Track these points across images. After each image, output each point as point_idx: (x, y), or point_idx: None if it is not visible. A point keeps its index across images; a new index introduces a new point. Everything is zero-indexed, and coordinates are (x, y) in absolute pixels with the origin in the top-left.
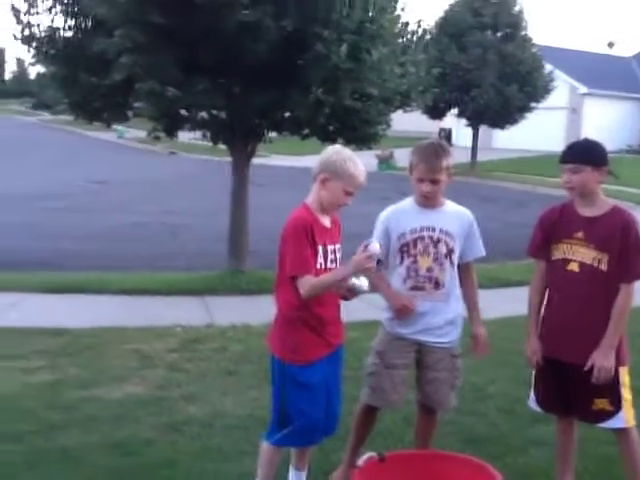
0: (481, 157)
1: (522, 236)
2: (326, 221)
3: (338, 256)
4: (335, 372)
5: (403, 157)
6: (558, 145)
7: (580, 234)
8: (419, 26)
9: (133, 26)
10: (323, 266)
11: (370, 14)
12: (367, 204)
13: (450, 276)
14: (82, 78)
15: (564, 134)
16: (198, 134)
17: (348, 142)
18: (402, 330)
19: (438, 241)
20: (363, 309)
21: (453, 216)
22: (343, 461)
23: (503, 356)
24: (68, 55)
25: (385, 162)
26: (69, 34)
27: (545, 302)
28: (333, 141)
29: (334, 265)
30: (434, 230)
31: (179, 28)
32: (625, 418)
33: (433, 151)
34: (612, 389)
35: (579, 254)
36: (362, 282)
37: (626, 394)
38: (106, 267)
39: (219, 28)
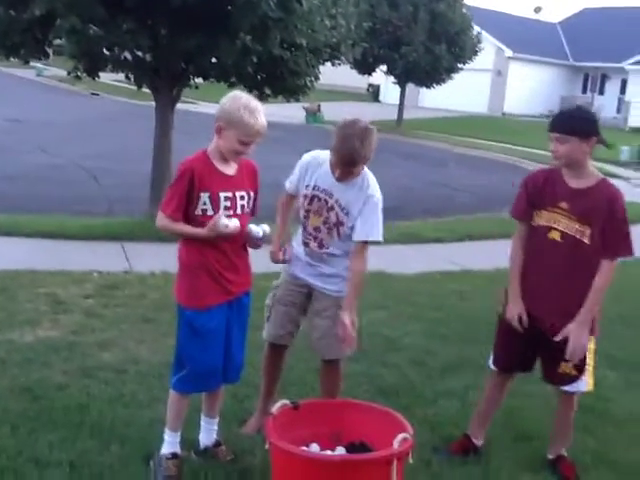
0: (407, 115)
1: (442, 195)
2: (227, 169)
3: (242, 203)
4: (238, 320)
5: (331, 110)
6: (482, 107)
7: (564, 204)
8: None
9: None
10: (210, 212)
11: None
12: (292, 156)
13: (337, 245)
14: None
15: (488, 96)
16: (122, 76)
17: (276, 93)
18: (296, 271)
19: (331, 208)
20: None
21: (357, 192)
22: (257, 408)
23: (418, 310)
24: None
25: (312, 115)
26: None
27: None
28: (260, 91)
29: (241, 212)
30: (331, 197)
31: None
32: (587, 382)
33: (350, 147)
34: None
35: (562, 224)
36: (258, 229)
37: (590, 360)
38: (21, 209)
39: None
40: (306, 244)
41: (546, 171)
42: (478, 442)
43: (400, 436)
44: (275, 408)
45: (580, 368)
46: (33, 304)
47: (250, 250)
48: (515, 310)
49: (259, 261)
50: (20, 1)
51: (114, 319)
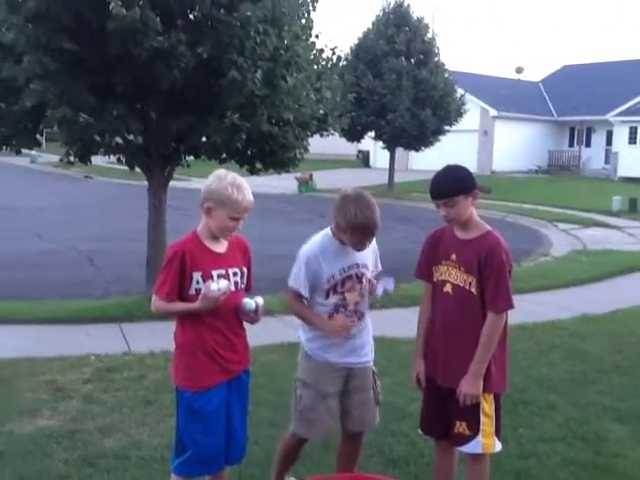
0: (398, 178)
1: None
2: (218, 247)
3: (236, 279)
4: (239, 400)
5: (322, 179)
6: (471, 166)
7: (454, 256)
8: (334, 53)
9: (43, 52)
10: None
11: (285, 41)
12: (289, 226)
13: (367, 305)
14: None
15: (477, 155)
16: (114, 157)
17: (267, 166)
18: (331, 356)
19: (362, 276)
20: (282, 330)
21: (368, 248)
22: None
23: None
24: None
25: (305, 184)
26: None
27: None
28: (251, 165)
29: (235, 288)
30: (358, 267)
31: (91, 54)
32: (483, 443)
33: (368, 221)
34: (472, 413)
35: (452, 276)
36: (251, 302)
37: (485, 419)
38: (16, 296)
39: (132, 54)
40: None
41: (440, 229)
42: None
43: None
44: None
45: (474, 428)
46: (32, 393)
47: (248, 325)
48: (414, 369)
49: (258, 334)
50: (10, 94)
51: (114, 403)
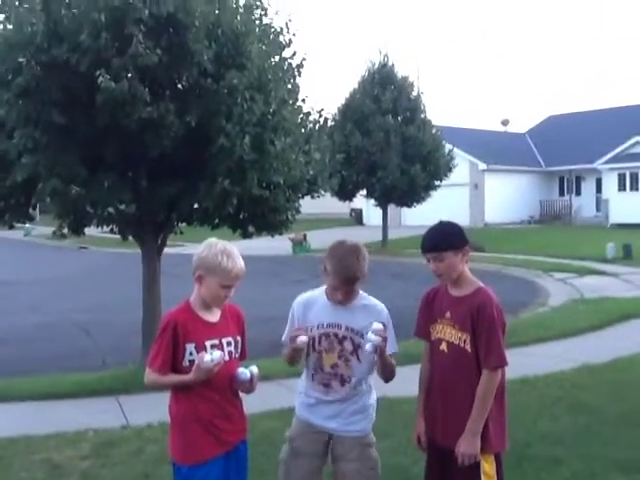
0: (392, 235)
1: None
2: (211, 316)
3: (230, 349)
4: (237, 471)
5: (316, 238)
6: (464, 219)
7: (448, 314)
8: (320, 115)
9: (34, 126)
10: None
11: (272, 107)
12: (283, 287)
13: (358, 371)
14: None
15: (469, 208)
16: (107, 227)
17: (259, 230)
18: (311, 417)
19: (344, 338)
20: (282, 395)
21: (362, 312)
22: None
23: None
24: None
25: (299, 245)
26: None
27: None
28: (244, 229)
29: (230, 358)
30: (340, 327)
31: (81, 126)
32: None
33: (349, 265)
34: (473, 474)
35: (447, 334)
36: (246, 372)
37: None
38: (12, 372)
39: (122, 125)
40: (327, 385)
41: (436, 287)
42: None
43: None
44: None
45: None
46: (28, 472)
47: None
48: (415, 430)
49: (258, 401)
50: (1, 169)
51: (113, 479)
